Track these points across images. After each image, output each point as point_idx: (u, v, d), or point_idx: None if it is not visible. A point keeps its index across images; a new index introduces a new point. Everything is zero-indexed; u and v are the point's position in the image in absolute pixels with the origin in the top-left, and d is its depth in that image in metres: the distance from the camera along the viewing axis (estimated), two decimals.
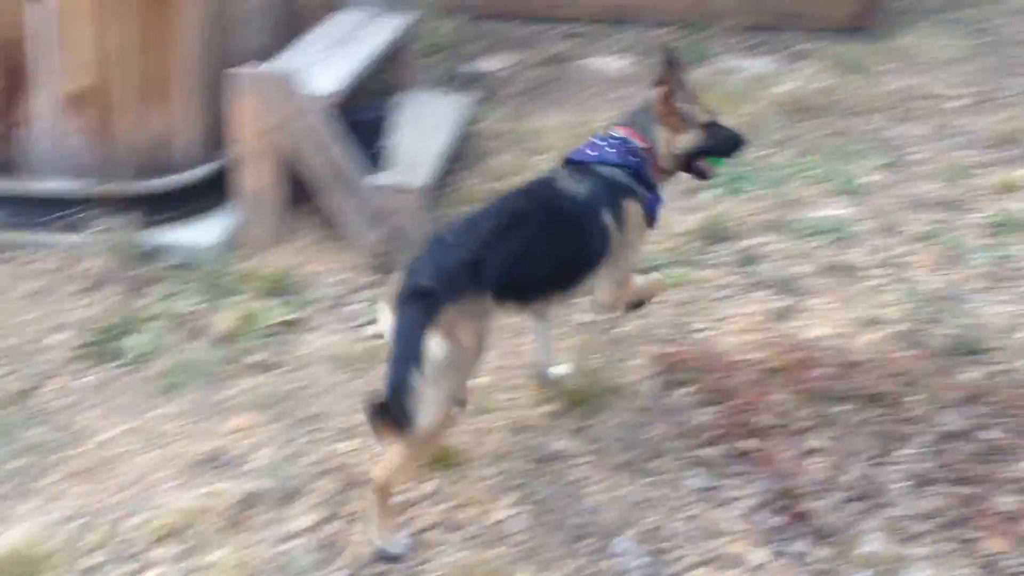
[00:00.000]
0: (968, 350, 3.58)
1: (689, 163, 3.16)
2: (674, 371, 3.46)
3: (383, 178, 4.31)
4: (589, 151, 3.08)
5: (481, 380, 3.23)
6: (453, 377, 2.59)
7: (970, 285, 4.06)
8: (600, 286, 3.09)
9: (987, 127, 5.66)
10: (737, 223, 4.56)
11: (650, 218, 3.09)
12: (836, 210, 4.75)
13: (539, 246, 2.84)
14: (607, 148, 3.06)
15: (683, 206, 4.65)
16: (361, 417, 2.66)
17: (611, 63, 7.06)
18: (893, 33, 7.36)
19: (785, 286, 4.08)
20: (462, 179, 5.00)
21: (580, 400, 3.25)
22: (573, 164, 3.07)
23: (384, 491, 2.62)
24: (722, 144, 3.18)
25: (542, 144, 5.39)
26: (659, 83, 3.07)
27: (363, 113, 4.60)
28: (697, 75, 6.49)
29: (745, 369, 3.49)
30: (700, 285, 4.11)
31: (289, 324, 3.75)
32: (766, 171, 5.14)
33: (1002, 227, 4.50)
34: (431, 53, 6.54)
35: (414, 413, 2.48)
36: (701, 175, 3.20)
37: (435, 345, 2.50)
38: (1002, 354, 3.57)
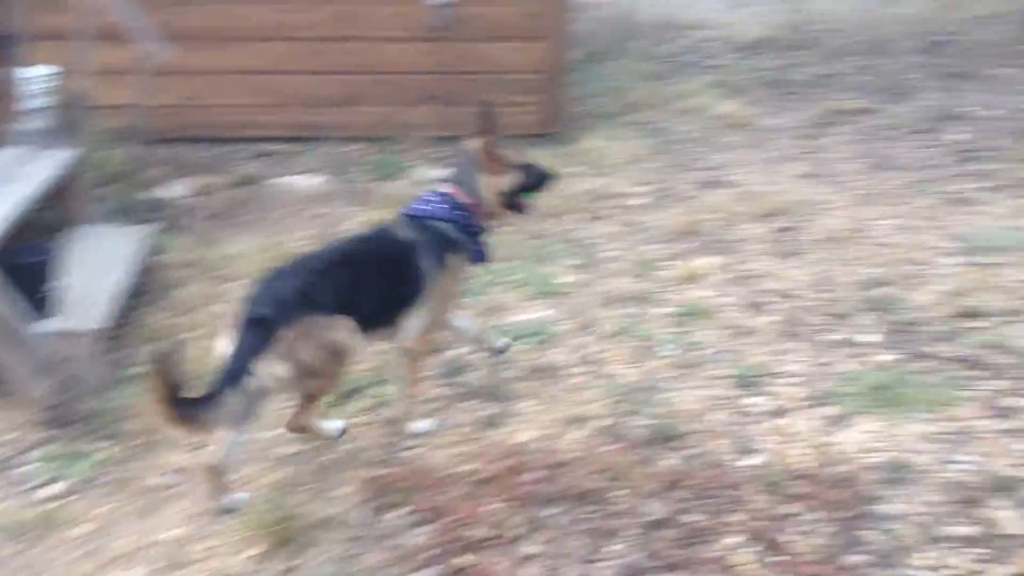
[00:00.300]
0: (665, 438, 3.77)
1: (511, 202, 3.76)
2: (385, 494, 3.41)
3: (51, 324, 4.02)
4: (421, 206, 3.64)
5: (174, 532, 3.08)
6: (307, 384, 3.26)
7: (662, 375, 4.30)
8: (408, 330, 3.60)
9: (667, 221, 6.10)
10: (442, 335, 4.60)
11: (482, 259, 3.75)
12: (536, 313, 4.92)
13: (367, 280, 3.40)
14: (438, 204, 3.64)
15: None
16: None
17: (303, 182, 6.99)
18: (577, 138, 7.85)
19: (493, 393, 4.15)
20: (147, 315, 4.75)
21: (286, 539, 3.11)
22: (407, 217, 3.64)
23: (213, 471, 3.28)
24: (537, 180, 3.82)
25: (234, 270, 5.25)
26: (482, 134, 3.64)
27: (25, 255, 4.22)
28: (396, 187, 6.71)
29: (457, 483, 3.49)
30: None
31: None
32: (469, 280, 5.25)
33: (687, 316, 4.83)
34: (106, 183, 6.19)
35: (215, 420, 3.08)
36: (520, 211, 3.80)
37: (273, 368, 3.11)
38: (696, 438, 3.78)
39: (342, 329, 3.29)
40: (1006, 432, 3.68)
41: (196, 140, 7.51)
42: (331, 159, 7.37)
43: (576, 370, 4.36)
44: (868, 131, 8.15)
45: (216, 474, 3.29)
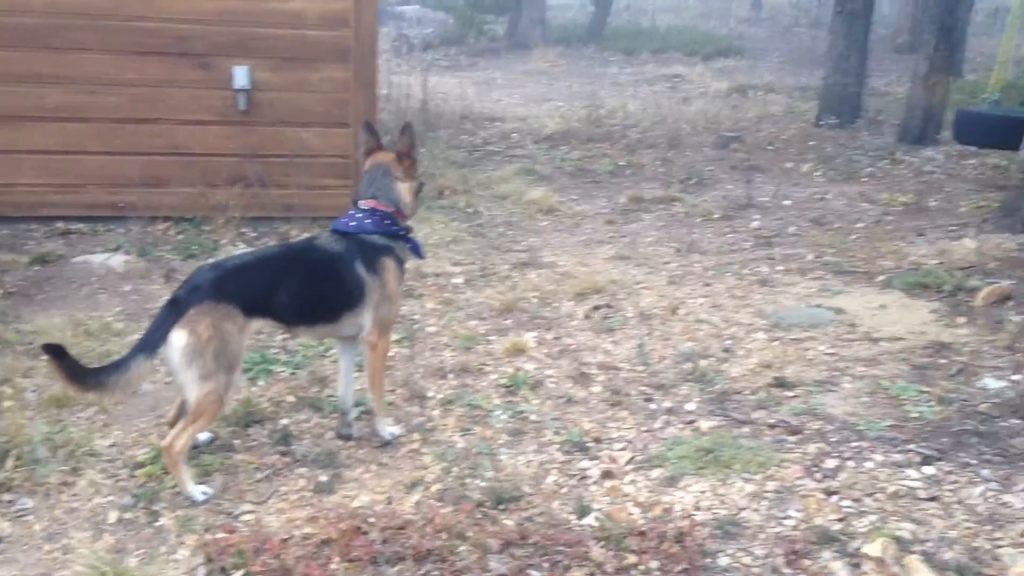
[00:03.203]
0: (502, 499, 3.97)
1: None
2: (223, 557, 3.42)
3: None
4: (349, 223, 4.27)
5: None
6: (203, 361, 3.74)
7: (496, 440, 4.54)
8: (367, 327, 4.25)
9: (488, 299, 6.44)
10: (271, 404, 4.69)
11: (419, 253, 4.53)
12: (361, 384, 5.06)
13: (286, 281, 4.05)
14: (364, 220, 4.27)
15: None
16: None
17: (110, 259, 6.95)
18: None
19: (325, 460, 4.25)
20: None
21: None
22: (336, 233, 4.25)
23: (175, 455, 3.81)
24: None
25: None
26: (405, 142, 4.39)
27: None
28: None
29: (297, 545, 3.56)
30: (239, 469, 4.14)
31: None
32: (293, 353, 5.38)
33: (514, 386, 5.11)
34: None
35: (115, 384, 3.68)
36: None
37: (178, 336, 3.71)
38: (532, 499, 4.01)
39: (235, 321, 3.86)
40: (826, 490, 4.09)
41: None
42: (136, 238, 7.36)
43: (408, 438, 4.53)
44: (671, 218, 8.89)
45: (174, 456, 3.84)
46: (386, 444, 4.45)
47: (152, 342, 3.74)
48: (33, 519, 3.71)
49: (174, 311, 3.78)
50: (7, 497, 3.82)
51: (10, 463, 3.92)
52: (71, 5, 7.46)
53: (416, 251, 4.51)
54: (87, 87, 7.61)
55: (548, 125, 13.16)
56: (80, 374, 3.66)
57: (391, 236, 4.33)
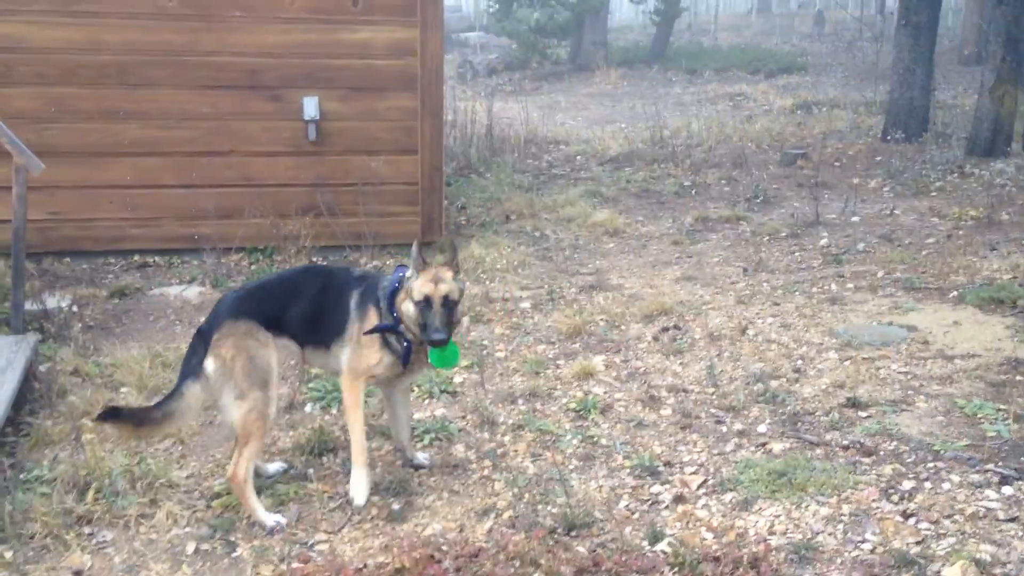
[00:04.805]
0: (574, 526, 3.92)
1: None
2: None
3: None
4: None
5: None
6: (233, 381, 3.84)
7: (567, 466, 4.49)
8: (342, 364, 4.13)
9: (556, 323, 6.40)
10: (344, 432, 4.69)
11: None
12: (436, 410, 5.07)
13: (299, 299, 4.12)
14: (395, 273, 4.19)
15: (284, 422, 4.71)
16: None
17: (185, 291, 7.10)
18: (458, 246, 8.13)
19: (397, 488, 4.23)
20: (38, 421, 4.75)
21: None
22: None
23: (240, 483, 3.84)
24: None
25: (124, 376, 5.32)
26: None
27: None
28: None
29: (371, 574, 3.54)
30: (313, 498, 4.14)
31: None
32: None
33: (584, 411, 5.06)
34: None
35: (176, 411, 3.87)
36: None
37: (208, 364, 3.85)
38: (604, 525, 3.95)
39: (258, 337, 3.93)
40: (903, 512, 3.96)
41: (68, 254, 7.57)
42: (211, 269, 7.48)
43: (478, 464, 4.51)
44: (738, 237, 8.77)
45: (242, 485, 3.87)
46: (357, 507, 4.09)
47: (192, 368, 3.90)
48: (112, 551, 3.75)
49: (202, 342, 3.93)
50: (87, 530, 3.87)
51: (90, 496, 3.98)
52: (145, 43, 7.65)
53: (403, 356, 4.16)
54: (162, 122, 7.78)
55: (612, 147, 13.12)
56: (143, 416, 3.90)
57: (388, 300, 4.10)
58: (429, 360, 4.10)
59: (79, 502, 3.95)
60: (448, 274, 4.04)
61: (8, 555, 3.66)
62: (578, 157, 12.73)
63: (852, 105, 16.29)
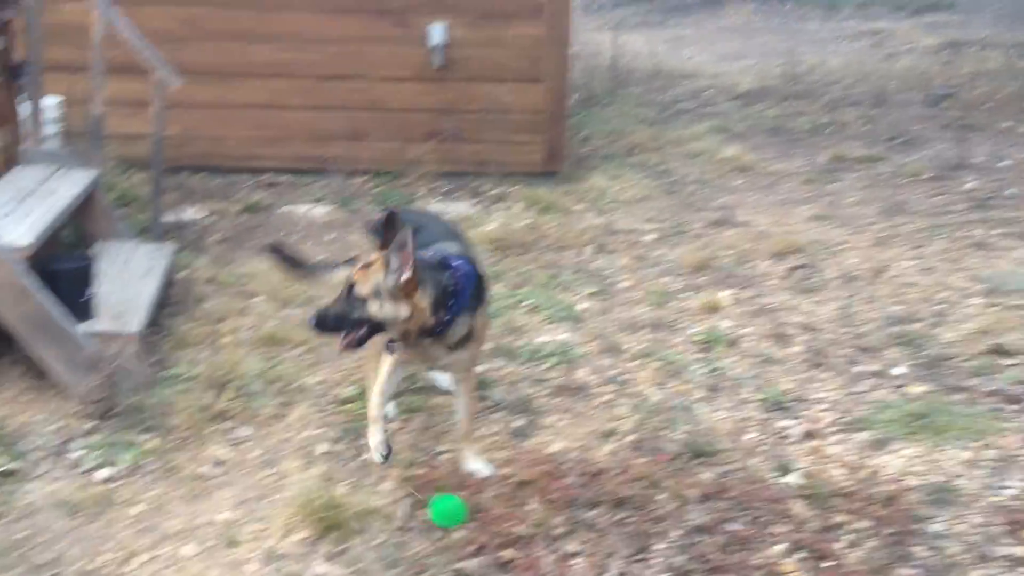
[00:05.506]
0: (699, 453, 3.97)
1: None
2: (425, 492, 3.57)
3: (97, 325, 4.44)
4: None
5: (223, 516, 3.47)
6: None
7: (692, 395, 4.53)
8: None
9: (681, 256, 6.40)
10: None
11: None
12: (559, 335, 5.16)
13: None
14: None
15: None
16: (103, 559, 3.23)
17: (312, 210, 7.34)
18: (581, 177, 8.20)
19: (520, 407, 4.36)
20: (177, 324, 5.05)
21: (332, 526, 3.31)
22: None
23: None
24: None
25: (256, 287, 5.57)
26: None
27: (63, 262, 4.63)
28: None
29: (494, 485, 3.67)
30: (436, 411, 4.29)
31: (6, 475, 3.73)
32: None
33: (710, 343, 5.08)
34: (122, 205, 6.53)
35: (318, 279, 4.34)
36: None
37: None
38: (730, 455, 3.99)
39: None
40: None
41: (200, 170, 7.85)
42: (336, 190, 7.69)
43: (603, 389, 4.58)
44: (877, 178, 8.54)
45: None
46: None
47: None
48: (248, 447, 3.99)
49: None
50: (227, 425, 4.13)
51: (227, 395, 4.24)
52: None
53: None
54: (292, 44, 7.95)
55: (742, 83, 12.85)
56: (296, 262, 4.24)
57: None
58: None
59: (217, 400, 4.21)
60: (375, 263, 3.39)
61: (154, 443, 3.95)
62: (706, 92, 12.51)
63: (1005, 46, 15.55)
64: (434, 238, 3.77)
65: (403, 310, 3.33)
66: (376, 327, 3.36)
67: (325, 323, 3.38)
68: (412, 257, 3.27)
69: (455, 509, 3.39)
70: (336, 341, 3.43)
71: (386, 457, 3.58)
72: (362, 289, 3.31)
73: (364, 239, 4.04)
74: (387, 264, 3.30)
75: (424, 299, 3.36)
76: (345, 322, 3.34)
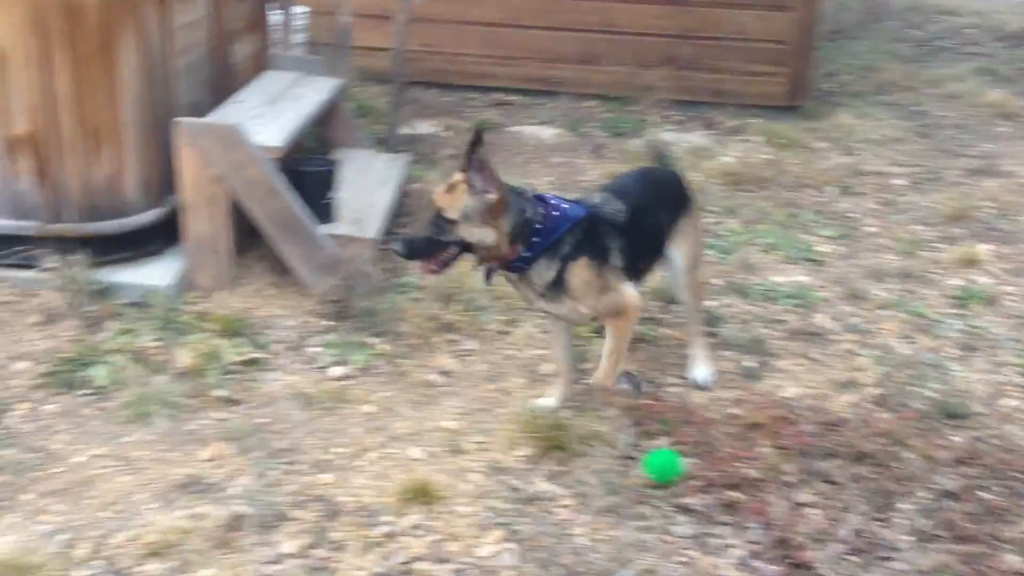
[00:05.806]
0: (950, 415, 3.71)
1: None
2: (649, 422, 3.48)
3: (337, 228, 4.62)
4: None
5: (448, 424, 3.53)
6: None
7: (943, 353, 4.23)
8: None
9: (935, 204, 5.97)
10: None
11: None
12: (796, 276, 4.92)
13: None
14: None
15: None
16: (336, 451, 3.39)
17: (542, 131, 7.30)
18: (825, 113, 7.77)
19: (752, 347, 4.18)
20: None
21: (555, 445, 3.31)
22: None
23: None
24: None
25: None
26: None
27: (309, 165, 4.81)
28: (632, 145, 6.84)
29: (723, 424, 3.54)
30: (665, 343, 4.19)
31: (250, 363, 3.92)
32: (719, 237, 5.32)
33: (968, 299, 4.72)
34: (361, 115, 6.69)
35: None
36: None
37: None
38: (987, 419, 3.71)
39: None
40: None
41: (435, 85, 7.93)
42: (566, 113, 7.61)
43: (843, 336, 4.34)
44: None
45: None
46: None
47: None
48: (475, 360, 4.04)
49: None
50: (454, 337, 4.18)
51: (456, 308, 4.30)
52: None
53: None
54: None
55: (1010, 22, 11.86)
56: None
57: None
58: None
59: (445, 311, 4.28)
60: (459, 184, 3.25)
61: (385, 347, 4.06)
62: (968, 30, 11.61)
63: None
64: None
65: (489, 234, 3.21)
66: (465, 248, 3.26)
67: (412, 248, 3.30)
68: (495, 178, 3.18)
69: (670, 463, 3.26)
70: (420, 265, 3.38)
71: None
72: (451, 212, 3.20)
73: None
74: (471, 185, 3.18)
75: (506, 224, 3.23)
76: (435, 245, 3.25)
